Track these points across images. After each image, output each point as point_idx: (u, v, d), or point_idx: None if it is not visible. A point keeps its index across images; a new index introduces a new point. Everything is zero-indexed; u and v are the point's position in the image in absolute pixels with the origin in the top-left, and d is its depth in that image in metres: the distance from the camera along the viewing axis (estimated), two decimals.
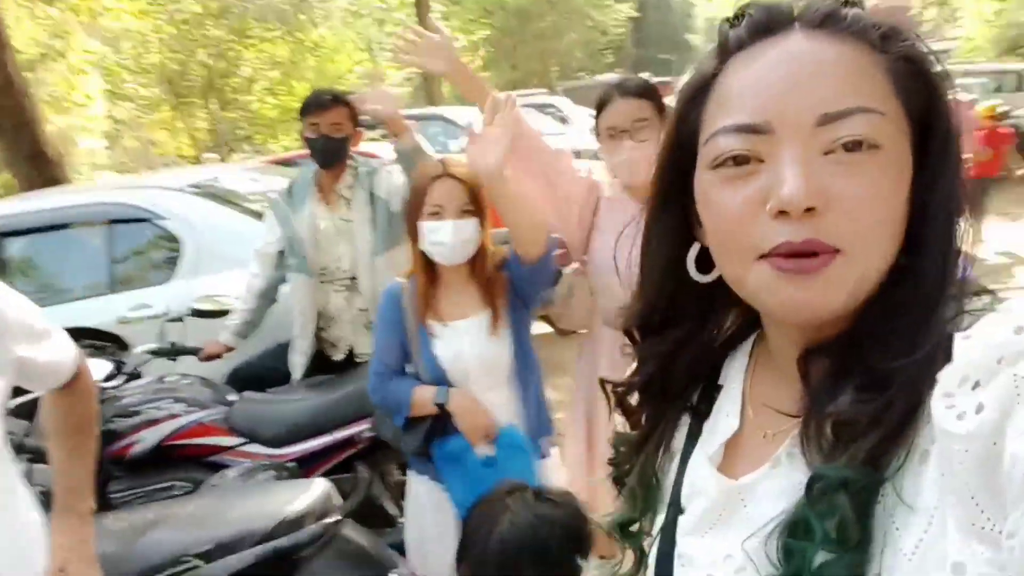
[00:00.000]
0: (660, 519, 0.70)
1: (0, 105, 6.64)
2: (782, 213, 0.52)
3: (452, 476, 1.93)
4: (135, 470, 2.48)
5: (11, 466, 1.27)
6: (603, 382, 0.75)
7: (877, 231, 0.52)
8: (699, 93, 0.60)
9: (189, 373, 2.72)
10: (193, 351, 2.74)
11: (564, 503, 1.21)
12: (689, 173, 0.61)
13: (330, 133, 2.65)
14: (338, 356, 2.89)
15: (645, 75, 2.41)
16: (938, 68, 0.55)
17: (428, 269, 1.91)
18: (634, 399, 0.73)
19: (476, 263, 1.90)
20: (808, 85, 0.53)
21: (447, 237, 1.83)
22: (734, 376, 0.69)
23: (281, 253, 2.82)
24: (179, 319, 2.83)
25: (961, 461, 0.42)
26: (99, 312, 3.25)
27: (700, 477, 0.66)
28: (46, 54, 12.89)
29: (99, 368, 2.44)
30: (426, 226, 1.84)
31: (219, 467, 2.46)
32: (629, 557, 0.74)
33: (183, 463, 2.49)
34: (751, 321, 0.69)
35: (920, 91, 0.54)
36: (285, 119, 14.20)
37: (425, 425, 1.91)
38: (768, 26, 0.56)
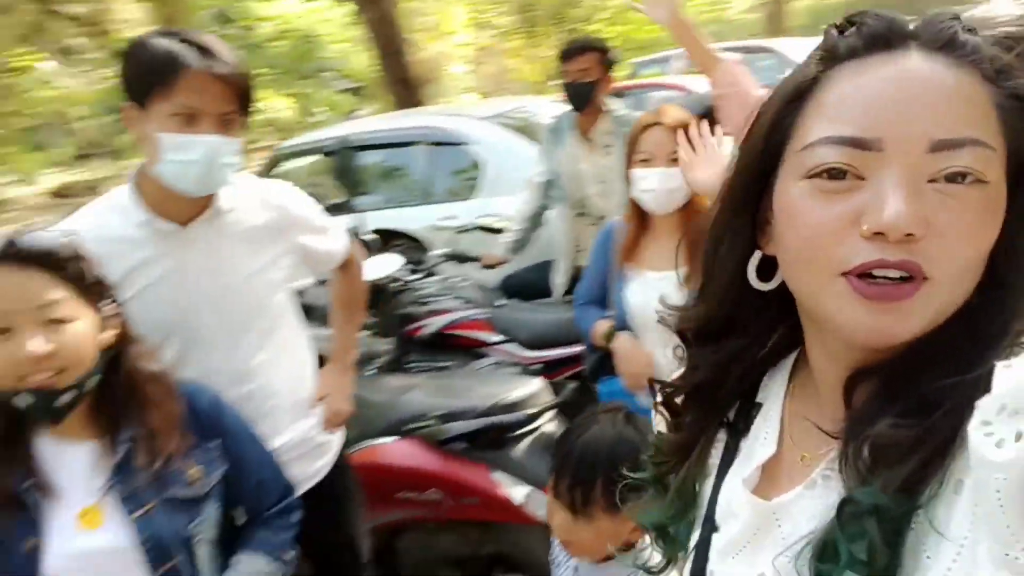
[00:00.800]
0: (695, 535, 0.69)
1: (379, 35, 7.90)
2: (878, 235, 0.50)
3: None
4: (422, 348, 3.08)
5: (296, 319, 1.78)
6: (651, 381, 0.75)
7: (968, 264, 0.51)
8: (797, 97, 0.57)
9: (469, 276, 3.24)
10: (475, 259, 3.25)
11: (648, 431, 1.34)
12: (768, 178, 0.60)
13: (578, 79, 2.90)
14: None
15: None
16: None
17: (639, 217, 1.98)
18: (679, 401, 0.73)
19: (686, 215, 1.92)
20: (924, 109, 0.51)
21: (654, 184, 1.88)
22: (774, 396, 0.68)
23: (548, 183, 3.17)
24: (468, 230, 3.35)
25: (997, 489, 0.42)
26: (417, 219, 3.95)
27: (735, 499, 0.65)
28: None
29: (393, 263, 3.04)
30: (636, 173, 1.92)
31: (481, 357, 2.96)
32: (657, 554, 0.74)
33: (456, 349, 3.03)
34: (792, 338, 0.67)
35: (1022, 130, 0.52)
36: (626, 47, 14.47)
37: (597, 356, 2.09)
38: (886, 39, 0.54)
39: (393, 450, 2.15)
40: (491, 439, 2.05)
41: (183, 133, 1.43)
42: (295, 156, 4.71)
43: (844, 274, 0.52)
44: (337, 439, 1.88)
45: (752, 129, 0.61)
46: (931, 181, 0.50)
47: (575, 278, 3.19)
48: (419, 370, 3.03)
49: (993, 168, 0.51)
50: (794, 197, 0.56)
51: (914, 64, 0.52)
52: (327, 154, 4.45)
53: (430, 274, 3.22)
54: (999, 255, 0.52)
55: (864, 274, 0.51)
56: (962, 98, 0.51)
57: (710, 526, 0.67)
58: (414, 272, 3.18)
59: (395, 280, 3.10)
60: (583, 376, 2.87)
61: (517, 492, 2.01)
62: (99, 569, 1.16)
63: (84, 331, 1.14)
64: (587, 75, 2.92)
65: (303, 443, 1.74)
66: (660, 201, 1.91)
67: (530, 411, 2.07)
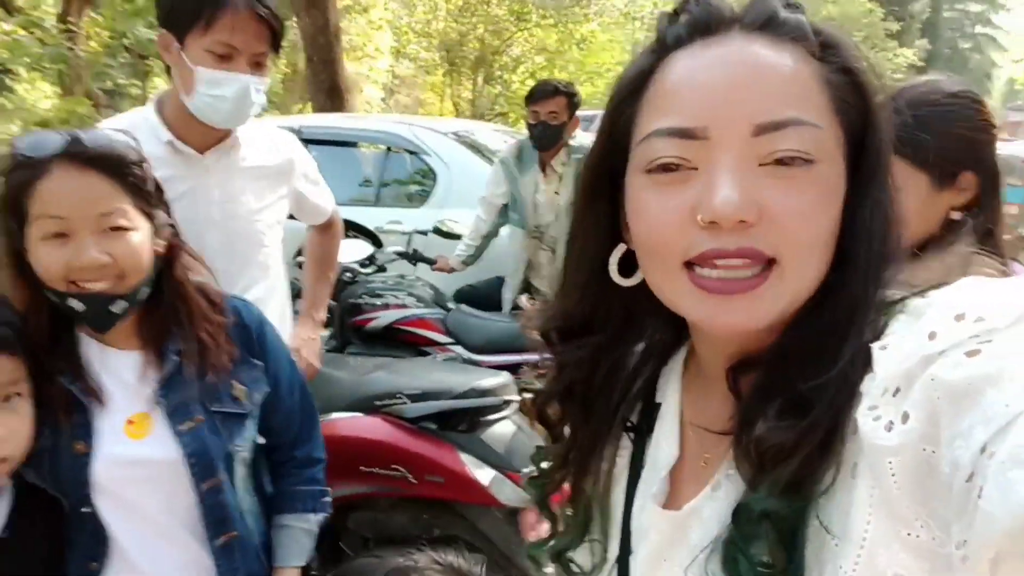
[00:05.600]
0: (613, 550, 0.67)
1: (316, 42, 7.87)
2: (713, 224, 0.50)
3: None
4: (368, 341, 3.10)
5: (282, 262, 1.84)
6: (522, 390, 0.80)
7: (811, 247, 0.51)
8: (634, 90, 0.57)
9: (422, 278, 3.31)
10: (429, 260, 3.33)
11: None
12: (620, 171, 0.58)
13: (548, 120, 3.09)
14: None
15: None
16: (875, 82, 0.54)
17: None
18: (554, 410, 0.70)
19: None
20: (745, 92, 0.51)
21: None
22: (670, 394, 0.66)
23: (505, 206, 3.33)
24: (424, 233, 3.43)
25: (892, 472, 0.43)
26: (362, 220, 3.96)
27: (646, 516, 0.64)
28: (353, 6, 14.67)
29: (360, 249, 3.08)
30: None
31: (427, 355, 3.01)
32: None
33: (403, 345, 3.07)
34: (678, 331, 0.66)
35: (856, 105, 0.53)
36: None
37: None
38: (707, 25, 0.54)
39: (359, 424, 2.17)
40: (463, 422, 2.11)
41: (219, 69, 1.49)
42: None
43: (686, 264, 0.52)
44: None
45: (601, 122, 0.61)
46: (762, 165, 0.50)
47: (524, 293, 3.36)
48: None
49: (822, 146, 0.51)
50: (637, 191, 0.56)
51: (735, 47, 0.52)
52: None
53: (382, 269, 3.27)
54: (844, 231, 0.53)
55: (705, 264, 0.51)
56: (783, 78, 0.51)
57: (626, 546, 0.65)
58: (365, 265, 3.22)
59: (347, 270, 3.12)
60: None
61: (483, 474, 2.08)
62: (146, 478, 1.16)
63: (141, 241, 1.13)
64: (556, 118, 3.11)
65: None
66: None
67: (503, 399, 2.16)
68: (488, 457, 2.10)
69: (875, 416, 0.44)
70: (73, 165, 1.07)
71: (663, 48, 0.56)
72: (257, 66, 1.54)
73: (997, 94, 37.46)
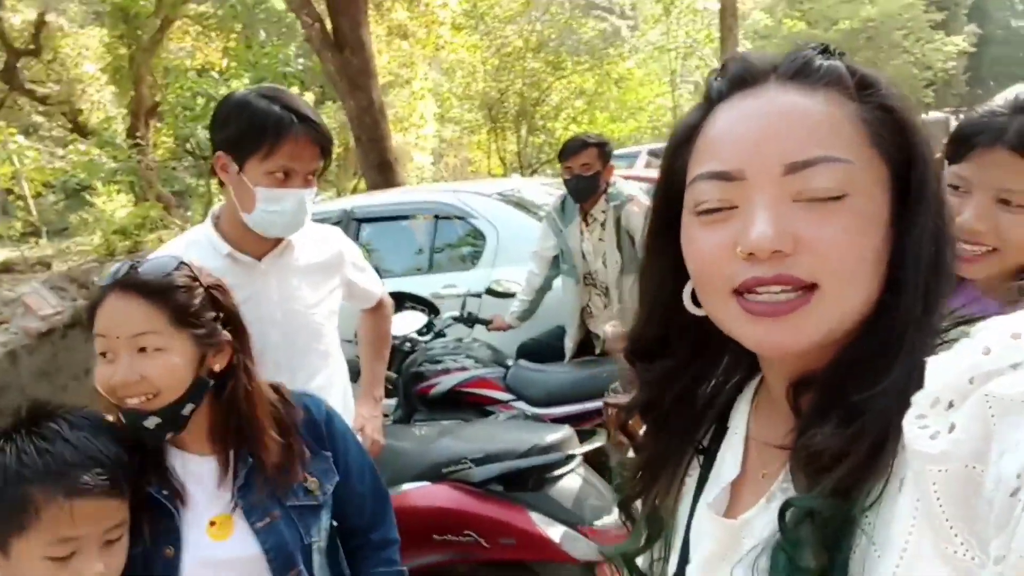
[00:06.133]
0: (673, 562, 0.71)
1: (362, 122, 8.20)
2: (751, 255, 0.54)
3: None
4: (433, 407, 3.16)
5: (340, 349, 1.93)
6: (606, 405, 0.84)
7: (850, 270, 0.54)
8: (686, 140, 0.63)
9: (479, 338, 3.37)
10: (484, 322, 3.39)
11: None
12: (679, 214, 0.64)
13: (581, 173, 3.15)
14: (599, 348, 3.37)
15: None
16: (914, 117, 0.58)
17: None
18: (634, 423, 0.75)
19: None
20: (777, 136, 0.55)
21: None
22: (739, 418, 0.70)
23: (556, 257, 3.38)
24: (478, 295, 3.50)
25: (934, 483, 0.43)
26: (418, 287, 4.08)
27: (703, 524, 0.67)
28: (395, 81, 15.25)
29: (416, 319, 3.17)
30: None
31: (491, 414, 3.05)
32: None
33: (467, 407, 3.12)
34: (755, 362, 0.69)
35: (895, 139, 0.56)
36: None
37: None
38: (743, 79, 0.60)
39: (428, 493, 2.21)
40: (528, 481, 2.13)
41: (279, 188, 1.61)
42: None
43: (734, 292, 0.57)
44: None
45: (659, 171, 0.68)
46: (795, 201, 0.55)
47: (584, 342, 3.38)
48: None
49: (854, 180, 0.54)
50: (687, 229, 0.62)
51: (769, 97, 0.57)
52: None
53: (440, 335, 3.35)
54: (894, 258, 0.55)
55: (750, 291, 0.55)
56: (814, 120, 0.55)
57: (685, 555, 0.68)
58: (424, 332, 3.31)
59: (407, 340, 3.21)
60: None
61: (554, 531, 2.09)
62: None
63: (175, 360, 1.18)
64: (588, 169, 3.17)
65: None
66: None
67: (566, 453, 2.18)
68: (557, 513, 2.12)
69: (922, 425, 0.45)
70: (123, 291, 1.18)
71: (709, 103, 0.62)
72: (310, 180, 1.66)
73: None
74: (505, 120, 16.18)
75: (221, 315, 1.26)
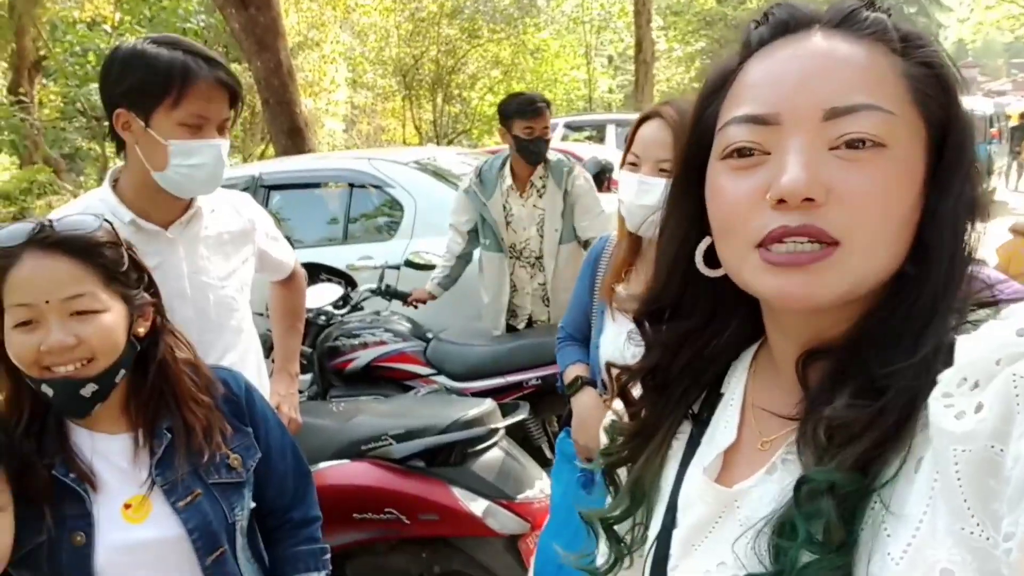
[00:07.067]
0: (656, 526, 0.69)
1: (271, 84, 7.84)
2: (781, 202, 0.52)
3: (559, 468, 1.86)
4: (350, 382, 3.08)
5: (252, 323, 1.84)
6: (608, 366, 0.76)
7: (879, 228, 0.52)
8: (719, 88, 0.61)
9: (397, 312, 3.30)
10: (403, 295, 3.31)
11: None
12: (706, 165, 0.61)
13: (542, 135, 3.08)
14: (520, 324, 3.34)
15: None
16: (957, 76, 0.55)
17: (630, 239, 1.63)
18: (636, 391, 0.73)
19: None
20: (818, 80, 0.53)
21: (628, 194, 1.57)
22: (735, 384, 0.68)
23: (473, 231, 3.30)
24: (396, 267, 3.41)
25: (956, 461, 0.42)
26: (332, 259, 3.95)
27: (695, 488, 0.65)
28: (304, 42, 14.71)
29: (331, 291, 3.06)
30: (620, 177, 1.62)
31: (411, 389, 3.00)
32: (604, 552, 0.73)
33: (385, 382, 3.06)
34: (755, 328, 0.68)
35: (937, 97, 0.54)
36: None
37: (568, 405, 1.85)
38: (789, 25, 0.57)
39: (348, 471, 2.15)
40: (451, 456, 2.10)
41: (193, 139, 1.49)
42: None
43: (758, 246, 0.54)
44: None
45: (689, 120, 0.65)
46: (833, 148, 0.52)
47: (513, 317, 3.32)
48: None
49: (893, 132, 0.52)
50: (714, 177, 0.59)
51: (814, 42, 0.55)
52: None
53: (357, 308, 3.26)
54: (924, 224, 0.53)
55: (775, 242, 0.53)
56: (858, 67, 0.53)
57: (671, 518, 0.66)
58: (339, 306, 3.21)
59: (322, 314, 3.11)
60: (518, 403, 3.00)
61: (476, 506, 2.07)
62: (150, 561, 1.14)
63: (111, 322, 1.11)
64: (547, 132, 3.11)
65: None
66: (633, 217, 1.57)
67: (489, 427, 2.16)
68: (480, 488, 2.10)
69: (947, 404, 0.44)
70: (41, 251, 1.07)
71: (747, 50, 0.59)
72: (222, 131, 1.55)
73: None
74: (420, 88, 15.93)
75: (144, 276, 1.20)
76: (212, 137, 1.52)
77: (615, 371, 0.74)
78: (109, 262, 1.13)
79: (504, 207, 3.20)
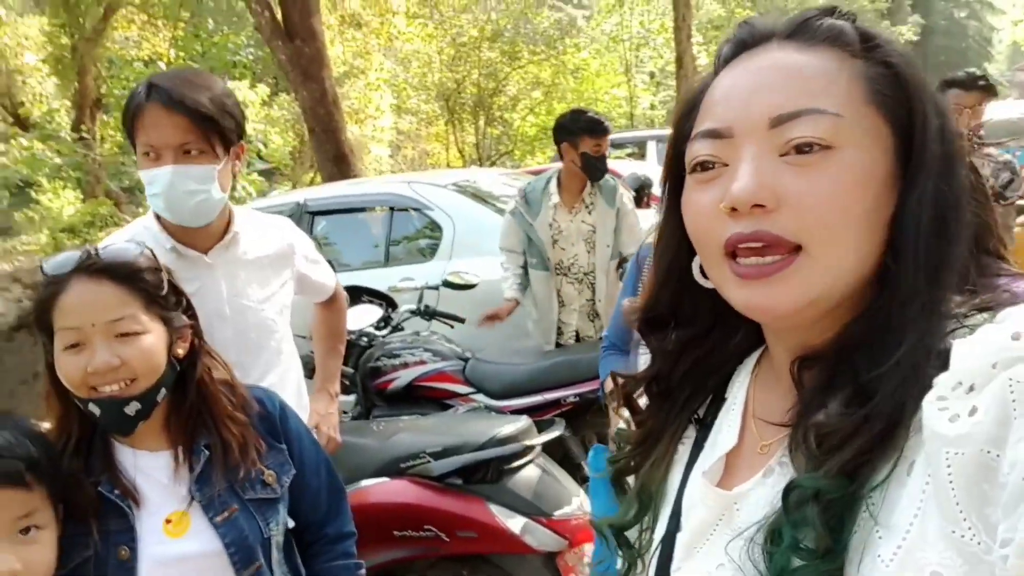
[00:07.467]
0: (661, 529, 0.69)
1: (316, 113, 8.07)
2: (734, 210, 0.54)
3: (596, 484, 1.88)
4: (392, 402, 3.13)
5: (292, 343, 1.89)
6: (614, 376, 0.76)
7: (837, 229, 0.52)
8: (695, 105, 0.63)
9: (437, 331, 3.35)
10: (443, 315, 3.34)
11: None
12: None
13: (606, 153, 3.17)
14: (566, 340, 3.37)
15: None
16: (917, 74, 0.56)
17: None
18: (643, 400, 0.74)
19: None
20: (765, 91, 0.55)
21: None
22: (738, 389, 0.69)
23: (524, 251, 3.35)
24: (435, 288, 3.47)
25: (948, 465, 0.42)
26: (375, 281, 4.03)
27: (696, 492, 0.66)
28: (350, 72, 15.04)
29: (372, 312, 3.13)
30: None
31: (450, 408, 3.04)
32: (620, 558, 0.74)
33: (426, 401, 3.10)
34: (759, 334, 0.68)
35: (896, 96, 0.55)
36: (542, 136, 15.26)
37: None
38: (747, 42, 0.60)
39: (387, 489, 2.19)
40: (487, 473, 2.13)
41: (152, 168, 1.54)
42: None
43: (726, 255, 0.56)
44: None
45: (668, 140, 0.68)
46: (783, 155, 0.53)
47: (559, 335, 3.35)
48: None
49: (843, 134, 0.52)
50: (686, 191, 0.61)
51: (767, 55, 0.57)
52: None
53: (397, 328, 3.31)
54: (895, 225, 0.54)
55: (736, 254, 0.55)
56: (806, 75, 0.54)
57: (675, 522, 0.67)
58: (380, 327, 3.27)
59: (364, 335, 3.18)
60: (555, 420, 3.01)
61: (514, 523, 2.08)
62: (189, 574, 1.20)
63: (152, 344, 1.17)
64: (607, 150, 3.20)
65: None
66: None
67: (525, 444, 2.18)
68: (517, 505, 2.11)
69: (942, 407, 0.44)
70: (88, 277, 1.15)
71: (716, 68, 0.62)
72: (189, 156, 1.52)
73: (1001, 58, 36.86)
74: (463, 111, 16.10)
75: (182, 300, 1.27)
76: (169, 164, 1.51)
77: (620, 379, 0.75)
78: (150, 286, 1.19)
79: (551, 225, 3.27)
